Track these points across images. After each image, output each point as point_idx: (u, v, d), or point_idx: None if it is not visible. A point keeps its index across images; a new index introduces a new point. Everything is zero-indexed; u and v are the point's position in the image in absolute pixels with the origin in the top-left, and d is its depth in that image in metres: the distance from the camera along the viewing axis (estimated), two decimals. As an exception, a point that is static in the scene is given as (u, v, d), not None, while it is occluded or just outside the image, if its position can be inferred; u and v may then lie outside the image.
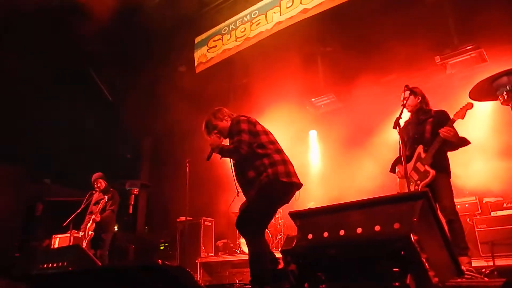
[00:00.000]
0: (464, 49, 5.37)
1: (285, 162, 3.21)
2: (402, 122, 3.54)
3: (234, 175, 3.37)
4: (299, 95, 7.45)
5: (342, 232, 1.95)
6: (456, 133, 3.47)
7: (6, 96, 7.40)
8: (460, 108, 3.55)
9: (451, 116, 3.57)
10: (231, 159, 3.42)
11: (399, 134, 3.44)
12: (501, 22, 5.25)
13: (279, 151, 3.28)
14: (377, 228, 1.83)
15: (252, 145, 3.18)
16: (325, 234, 2.02)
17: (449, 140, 3.46)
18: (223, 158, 3.41)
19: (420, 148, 3.65)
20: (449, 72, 5.67)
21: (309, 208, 2.38)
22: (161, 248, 8.15)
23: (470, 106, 3.53)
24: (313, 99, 7.46)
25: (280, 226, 7.10)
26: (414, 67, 6.17)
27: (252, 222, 3.03)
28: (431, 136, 3.61)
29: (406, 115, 3.89)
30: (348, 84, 6.99)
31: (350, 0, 5.70)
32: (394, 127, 3.34)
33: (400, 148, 3.59)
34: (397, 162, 3.93)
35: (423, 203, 1.76)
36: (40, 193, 9.04)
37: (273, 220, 7.25)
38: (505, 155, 5.45)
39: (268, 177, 3.05)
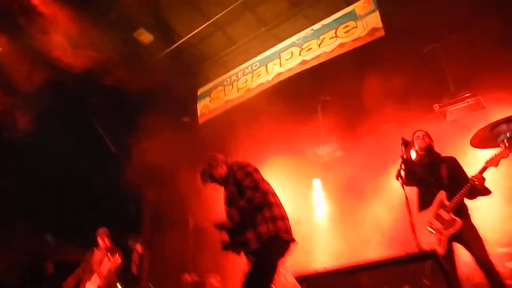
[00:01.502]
0: (461, 97, 5.42)
1: (284, 217, 3.09)
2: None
3: (225, 206, 3.19)
4: (300, 144, 7.46)
5: (348, 295, 1.84)
6: (484, 181, 3.38)
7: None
8: (495, 155, 3.42)
9: (483, 163, 3.44)
10: (224, 188, 3.28)
11: (402, 182, 3.35)
12: (497, 69, 5.33)
13: (278, 205, 3.16)
14: (386, 291, 1.72)
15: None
16: (331, 297, 1.90)
17: (477, 188, 3.37)
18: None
19: (442, 194, 3.54)
20: (449, 119, 5.69)
21: (316, 271, 2.28)
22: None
23: (506, 154, 3.38)
24: (315, 148, 7.45)
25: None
26: (413, 114, 6.22)
27: (259, 285, 2.87)
28: (449, 182, 3.53)
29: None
30: (349, 132, 7.02)
31: (347, 51, 5.85)
32: (397, 178, 3.28)
33: (405, 195, 3.31)
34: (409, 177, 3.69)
35: (432, 263, 1.68)
36: (48, 251, 8.75)
37: (280, 276, 7.01)
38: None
39: (269, 233, 2.91)
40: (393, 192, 6.38)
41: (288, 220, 3.14)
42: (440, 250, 3.36)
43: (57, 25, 6.28)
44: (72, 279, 5.92)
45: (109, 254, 5.78)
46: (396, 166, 3.68)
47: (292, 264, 7.00)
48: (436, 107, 5.58)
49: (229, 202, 3.14)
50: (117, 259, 5.70)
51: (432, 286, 1.60)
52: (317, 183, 8.34)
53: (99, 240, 5.99)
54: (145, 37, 7.36)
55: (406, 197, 3.24)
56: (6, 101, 6.82)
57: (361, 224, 6.96)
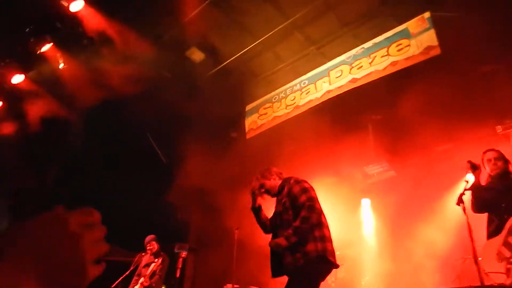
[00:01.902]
0: (526, 118, 5.04)
1: (331, 240, 3.03)
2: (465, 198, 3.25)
3: (275, 217, 3.22)
4: (350, 163, 7.30)
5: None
6: None
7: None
8: None
9: None
10: (276, 200, 3.29)
11: (463, 207, 3.13)
12: None
13: (327, 226, 3.10)
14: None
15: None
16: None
17: None
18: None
19: None
20: (512, 142, 5.31)
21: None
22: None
23: None
24: (365, 167, 7.26)
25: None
26: (472, 135, 5.87)
27: None
28: None
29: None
30: (401, 152, 6.77)
31: (401, 69, 5.66)
32: (458, 204, 3.07)
33: (467, 221, 3.13)
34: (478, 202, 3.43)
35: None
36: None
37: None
38: None
39: (317, 251, 2.85)
40: (448, 217, 6.06)
41: (332, 243, 3.06)
42: (508, 281, 3.09)
43: (116, 44, 6.65)
44: (120, 283, 6.15)
45: (155, 257, 5.95)
46: (456, 190, 3.49)
47: (339, 285, 6.85)
48: (499, 129, 5.22)
49: (280, 214, 3.14)
50: (162, 262, 5.86)
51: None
52: (366, 202, 8.11)
53: (147, 246, 6.19)
54: (197, 55, 7.61)
55: (469, 224, 3.03)
56: (63, 115, 7.33)
57: (412, 248, 6.66)
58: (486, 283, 3.06)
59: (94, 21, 6.08)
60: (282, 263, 2.97)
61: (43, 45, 6.38)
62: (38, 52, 6.39)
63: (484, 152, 3.59)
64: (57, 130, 7.57)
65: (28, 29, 5.89)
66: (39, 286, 0.50)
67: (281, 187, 3.25)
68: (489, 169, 3.50)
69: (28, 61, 6.67)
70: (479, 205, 3.29)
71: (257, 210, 3.38)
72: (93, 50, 6.78)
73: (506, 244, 3.22)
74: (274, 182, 3.33)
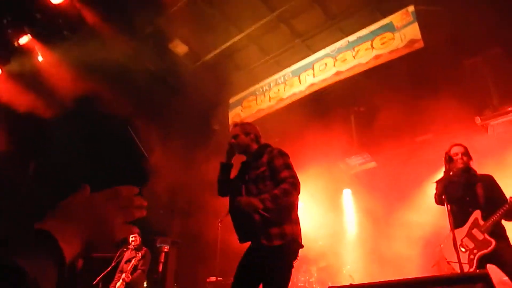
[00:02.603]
0: (505, 110, 5.25)
1: (299, 222, 2.88)
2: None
3: (246, 182, 2.87)
4: (332, 154, 7.41)
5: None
6: None
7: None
8: None
9: None
10: (251, 164, 2.95)
11: (444, 197, 3.26)
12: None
13: (297, 208, 2.94)
14: (433, 313, 1.69)
15: None
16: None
17: None
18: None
19: (477, 214, 3.43)
20: (491, 133, 5.51)
21: (351, 284, 2.24)
22: (191, 309, 7.87)
23: None
24: (347, 159, 7.39)
25: (315, 291, 6.76)
26: (451, 127, 6.07)
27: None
28: (485, 202, 3.42)
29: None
30: (383, 143, 6.92)
31: (383, 63, 5.79)
32: (437, 203, 3.22)
33: (447, 211, 3.21)
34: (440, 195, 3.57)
35: (483, 286, 1.63)
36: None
37: (306, 284, 6.96)
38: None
39: (292, 235, 2.69)
40: (428, 206, 6.24)
41: None
42: (471, 271, 3.26)
43: (97, 37, 6.52)
44: (102, 279, 6.10)
45: (136, 252, 5.90)
46: (435, 179, 3.62)
47: (321, 275, 6.99)
48: (478, 120, 5.41)
49: (255, 181, 2.86)
50: (144, 256, 5.83)
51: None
52: (347, 193, 8.27)
53: (131, 239, 6.13)
54: (181, 48, 7.54)
55: (450, 214, 3.16)
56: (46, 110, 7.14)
57: (393, 236, 6.83)
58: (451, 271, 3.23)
59: (75, 13, 5.93)
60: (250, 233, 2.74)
61: (21, 36, 6.19)
62: (16, 44, 6.19)
63: (451, 146, 3.72)
64: (36, 124, 7.37)
65: (6, 20, 5.69)
66: (78, 236, 0.66)
67: (259, 153, 2.94)
68: (454, 162, 3.59)
69: (5, 53, 6.45)
70: (442, 198, 3.37)
71: (228, 167, 3.10)
72: (73, 42, 6.62)
73: (469, 235, 3.40)
74: (250, 142, 3.05)
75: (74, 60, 6.80)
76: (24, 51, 6.52)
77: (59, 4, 5.59)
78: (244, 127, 3.13)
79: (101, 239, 0.71)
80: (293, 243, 2.73)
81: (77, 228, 0.66)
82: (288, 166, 2.83)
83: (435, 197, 3.54)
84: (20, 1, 5.51)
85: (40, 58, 6.65)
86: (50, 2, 5.52)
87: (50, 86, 6.86)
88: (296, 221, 2.84)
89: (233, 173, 3.19)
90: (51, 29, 6.31)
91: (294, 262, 2.78)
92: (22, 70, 6.78)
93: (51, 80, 6.84)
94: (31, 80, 6.82)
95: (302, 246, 2.82)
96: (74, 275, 8.58)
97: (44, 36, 6.41)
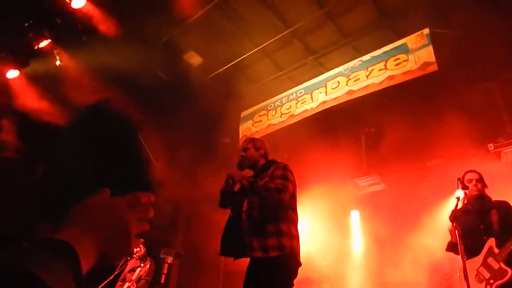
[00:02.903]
0: (519, 138, 5.15)
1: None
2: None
3: (244, 212, 2.83)
4: (341, 174, 7.34)
5: None
6: None
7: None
8: None
9: None
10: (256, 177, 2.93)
11: (456, 225, 3.16)
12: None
13: (297, 224, 2.90)
14: None
15: (290, 202, 2.79)
16: None
17: None
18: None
19: (491, 242, 3.32)
20: (504, 161, 5.40)
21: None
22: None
23: None
24: (356, 179, 7.31)
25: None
26: (463, 152, 5.98)
27: None
28: (500, 229, 3.31)
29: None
30: (393, 165, 6.84)
31: (397, 84, 5.76)
32: (451, 220, 3.11)
33: (458, 239, 3.11)
34: (452, 246, 3.51)
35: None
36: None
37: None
38: None
39: (291, 248, 2.64)
40: (437, 232, 6.11)
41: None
42: None
43: (112, 42, 6.63)
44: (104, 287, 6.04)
45: (141, 262, 5.86)
46: (445, 205, 3.54)
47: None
48: (491, 147, 5.32)
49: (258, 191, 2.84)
50: (147, 267, 5.77)
51: None
52: (355, 214, 8.15)
53: (135, 249, 6.08)
54: (195, 59, 7.62)
55: (460, 242, 3.06)
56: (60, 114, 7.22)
57: (400, 261, 6.69)
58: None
59: (95, 19, 6.05)
60: (244, 243, 2.67)
61: (42, 40, 6.32)
62: (36, 48, 6.32)
63: (466, 173, 3.64)
64: (47, 128, 7.46)
65: (27, 23, 5.82)
66: (96, 247, 0.61)
67: (266, 166, 3.00)
68: (469, 190, 3.51)
69: (25, 56, 6.59)
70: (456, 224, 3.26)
71: (234, 179, 3.02)
72: (91, 48, 6.74)
73: (485, 264, 3.28)
74: (259, 157, 3.09)
75: (89, 65, 6.91)
76: (43, 55, 6.66)
77: (78, 9, 5.71)
78: (255, 142, 3.18)
79: (119, 251, 0.66)
80: (291, 257, 2.67)
81: (97, 239, 0.61)
82: (285, 178, 2.81)
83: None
84: (41, 5, 5.63)
85: (58, 62, 6.78)
86: (71, 7, 5.64)
87: (65, 91, 6.96)
88: (296, 237, 2.78)
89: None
90: (70, 34, 6.44)
91: (293, 279, 2.70)
92: (40, 74, 6.91)
93: (66, 85, 6.95)
94: (48, 83, 6.94)
95: (300, 264, 2.76)
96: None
97: (63, 40, 6.54)
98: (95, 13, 5.90)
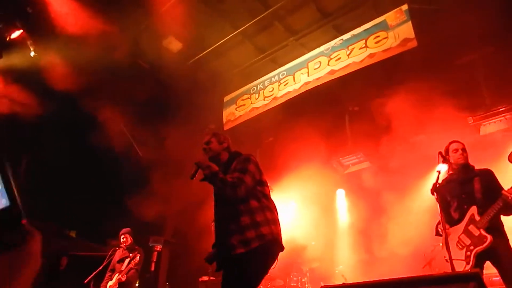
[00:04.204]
0: (497, 110, 5.25)
1: (279, 223, 2.84)
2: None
3: (218, 219, 2.86)
4: (326, 154, 7.40)
5: (382, 314, 1.78)
6: None
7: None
8: None
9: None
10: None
11: (437, 197, 3.23)
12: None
13: (276, 209, 2.91)
14: (423, 312, 1.66)
15: (257, 193, 2.78)
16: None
17: (510, 203, 3.18)
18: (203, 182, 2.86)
19: (473, 210, 3.36)
20: (483, 133, 5.51)
21: (344, 284, 2.20)
22: (182, 309, 7.83)
23: None
24: (341, 158, 7.38)
25: (308, 292, 6.75)
26: (444, 126, 6.07)
27: None
28: (482, 197, 3.35)
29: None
30: (377, 143, 6.92)
31: (377, 61, 5.77)
32: (432, 193, 3.16)
33: (439, 210, 3.21)
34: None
35: (475, 286, 1.61)
36: (66, 247, 9.02)
37: (299, 284, 6.94)
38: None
39: (272, 235, 2.66)
40: (421, 206, 6.25)
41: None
42: (468, 268, 3.23)
43: (90, 33, 6.45)
44: (93, 278, 6.05)
45: (130, 252, 5.84)
46: (428, 179, 3.61)
47: (313, 275, 6.98)
48: (470, 120, 5.40)
49: None
50: (137, 256, 5.77)
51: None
52: (340, 193, 8.26)
53: (122, 239, 6.07)
54: (174, 45, 7.47)
55: (442, 213, 3.13)
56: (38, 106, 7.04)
57: (386, 237, 6.83)
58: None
59: (68, 9, 5.86)
60: (226, 244, 2.67)
61: (13, 31, 6.11)
62: (7, 39, 6.10)
63: (450, 143, 3.67)
64: (26, 121, 7.28)
65: (-4, 14, 5.60)
66: None
67: (230, 161, 2.98)
68: (454, 159, 3.57)
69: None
70: (439, 195, 3.33)
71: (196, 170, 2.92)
72: (65, 38, 6.54)
73: (466, 232, 3.34)
74: (222, 150, 3.06)
75: (66, 55, 6.72)
76: (16, 46, 6.45)
77: (50, -2, 5.51)
78: (218, 136, 3.14)
79: None
80: (273, 244, 2.69)
81: None
82: (244, 171, 2.77)
83: (437, 192, 3.33)
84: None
85: (32, 54, 6.57)
86: (41, -4, 5.45)
87: (42, 82, 6.78)
88: (274, 221, 2.77)
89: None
90: (43, 24, 6.23)
91: (271, 266, 2.71)
92: (14, 66, 6.69)
93: (43, 76, 6.76)
94: (23, 75, 6.74)
95: (283, 248, 2.77)
96: (58, 274, 8.53)
97: (36, 31, 6.33)
98: (69, 3, 5.71)
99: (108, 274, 5.89)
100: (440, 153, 3.46)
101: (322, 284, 3.22)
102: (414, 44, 5.23)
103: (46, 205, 8.11)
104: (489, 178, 3.46)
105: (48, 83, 6.74)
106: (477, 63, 5.70)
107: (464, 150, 3.60)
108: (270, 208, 2.81)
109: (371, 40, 5.80)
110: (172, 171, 8.92)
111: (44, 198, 8.01)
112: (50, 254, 8.43)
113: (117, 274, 5.72)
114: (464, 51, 5.74)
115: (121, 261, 5.88)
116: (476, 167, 3.62)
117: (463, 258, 3.29)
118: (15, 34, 6.14)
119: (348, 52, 6.07)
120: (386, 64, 5.75)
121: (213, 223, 3.07)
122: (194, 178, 2.82)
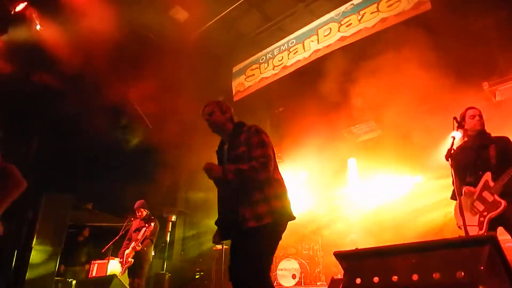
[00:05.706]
0: (512, 75, 5.09)
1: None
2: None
3: (225, 191, 2.81)
4: (337, 123, 7.32)
5: (395, 278, 1.79)
6: None
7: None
8: None
9: None
10: (228, 144, 2.88)
11: (451, 163, 3.19)
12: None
13: (283, 183, 2.85)
14: (436, 275, 1.66)
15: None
16: (376, 280, 1.86)
17: None
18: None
19: (487, 176, 3.33)
20: (498, 99, 5.37)
21: (357, 248, 2.20)
22: (196, 277, 8.05)
23: None
24: (352, 127, 7.31)
25: (319, 258, 6.86)
26: (457, 93, 5.93)
27: (264, 271, 2.55)
28: (497, 163, 3.31)
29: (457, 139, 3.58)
30: (388, 110, 6.80)
31: (390, 26, 5.59)
32: (447, 159, 3.12)
33: (453, 176, 3.13)
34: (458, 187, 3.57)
35: (490, 249, 1.59)
36: (83, 219, 9.27)
37: (311, 252, 7.06)
38: None
39: (283, 208, 2.64)
40: (433, 174, 6.21)
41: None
42: (480, 233, 3.23)
43: (95, 3, 6.34)
44: (110, 247, 6.26)
45: (145, 222, 5.99)
46: (442, 146, 3.55)
47: (325, 242, 7.08)
48: (486, 85, 5.25)
49: (235, 160, 2.78)
50: (152, 226, 5.91)
51: (490, 274, 1.53)
52: (352, 162, 8.22)
53: (137, 211, 6.20)
54: (181, 14, 7.34)
55: (456, 179, 3.10)
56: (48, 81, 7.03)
57: (398, 206, 6.84)
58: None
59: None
60: (236, 215, 2.62)
61: (17, 4, 6.03)
62: (12, 12, 6.04)
63: (467, 109, 3.60)
64: (37, 96, 7.30)
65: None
66: None
67: (237, 132, 2.88)
68: (471, 125, 3.52)
69: (2, 22, 6.30)
70: (453, 162, 3.28)
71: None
72: (71, 11, 6.44)
73: (479, 198, 3.32)
74: (226, 121, 2.94)
75: (72, 29, 6.65)
76: (21, 20, 6.38)
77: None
78: (221, 105, 3.00)
79: None
80: (283, 218, 2.66)
81: None
82: (263, 145, 2.72)
83: (451, 158, 3.23)
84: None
85: (38, 27, 6.51)
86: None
87: (49, 57, 6.74)
88: (283, 193, 2.75)
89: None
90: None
91: (279, 241, 2.69)
92: (20, 40, 6.65)
93: (50, 50, 6.72)
94: (30, 50, 6.71)
95: (293, 217, 2.73)
96: (76, 244, 8.79)
97: (41, 3, 6.25)
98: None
99: (125, 242, 6.07)
100: (455, 118, 3.40)
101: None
102: (428, 7, 5.04)
103: (63, 179, 8.29)
104: (505, 145, 3.40)
105: (53, 57, 6.72)
106: (492, 27, 5.48)
107: (480, 116, 3.54)
108: (279, 181, 2.78)
109: (383, 4, 5.60)
110: (181, 144, 8.97)
111: (60, 172, 8.18)
112: (71, 225, 8.70)
113: (133, 242, 5.88)
114: (478, 14, 5.51)
115: (138, 230, 6.04)
116: (493, 135, 3.56)
117: (476, 223, 3.28)
118: (20, 7, 6.07)
119: (359, 17, 5.89)
120: (398, 27, 5.56)
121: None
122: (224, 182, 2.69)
